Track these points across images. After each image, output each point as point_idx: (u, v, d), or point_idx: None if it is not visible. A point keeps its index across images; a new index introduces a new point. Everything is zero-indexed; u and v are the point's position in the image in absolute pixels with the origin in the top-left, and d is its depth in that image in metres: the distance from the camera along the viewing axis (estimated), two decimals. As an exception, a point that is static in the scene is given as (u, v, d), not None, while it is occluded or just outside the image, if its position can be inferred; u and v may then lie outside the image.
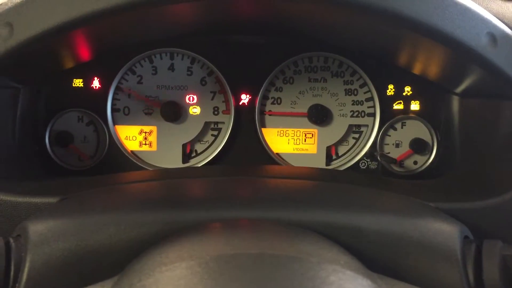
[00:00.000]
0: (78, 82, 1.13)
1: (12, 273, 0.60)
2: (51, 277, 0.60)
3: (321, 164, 1.19)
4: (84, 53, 1.06)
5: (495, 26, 0.78)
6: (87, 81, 1.14)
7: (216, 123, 1.18)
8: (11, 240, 0.64)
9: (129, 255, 0.60)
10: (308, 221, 0.64)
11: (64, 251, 0.61)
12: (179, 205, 0.68)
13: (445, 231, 0.66)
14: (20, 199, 0.80)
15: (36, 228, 0.63)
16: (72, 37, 0.90)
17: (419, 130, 1.17)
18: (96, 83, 1.14)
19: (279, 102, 1.18)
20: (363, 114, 1.18)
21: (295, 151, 1.19)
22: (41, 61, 0.97)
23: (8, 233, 0.70)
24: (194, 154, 1.19)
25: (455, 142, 1.08)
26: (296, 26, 1.06)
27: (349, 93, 1.17)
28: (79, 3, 0.75)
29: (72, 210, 0.68)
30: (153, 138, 1.17)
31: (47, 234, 0.62)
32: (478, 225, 0.77)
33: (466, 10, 0.76)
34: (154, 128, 1.17)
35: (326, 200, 0.73)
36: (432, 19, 0.75)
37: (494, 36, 0.78)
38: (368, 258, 0.62)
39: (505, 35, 0.78)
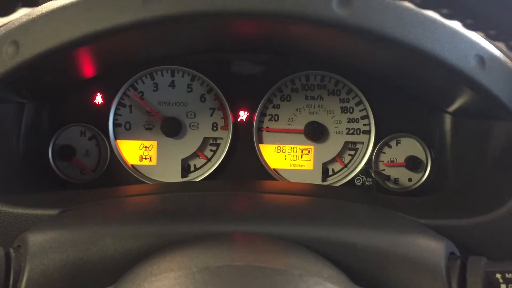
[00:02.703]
0: (81, 98, 1.16)
1: (11, 283, 0.62)
2: (49, 287, 0.62)
3: (317, 180, 1.21)
4: (88, 70, 1.09)
5: (483, 48, 0.80)
6: (90, 97, 1.17)
7: (215, 138, 1.21)
8: (11, 251, 0.66)
9: (125, 266, 0.62)
10: (297, 235, 0.66)
11: (61, 262, 0.63)
12: (174, 218, 0.70)
13: (431, 247, 0.67)
14: (21, 210, 0.82)
15: (35, 239, 0.65)
16: (76, 55, 0.93)
17: (414, 148, 1.19)
18: (98, 99, 1.17)
19: (276, 119, 1.21)
20: (358, 132, 1.20)
21: (292, 167, 1.21)
22: (45, 77, 1.00)
23: (9, 244, 0.72)
24: (193, 168, 1.21)
25: (448, 160, 1.10)
26: (293, 46, 1.09)
27: (345, 111, 1.20)
28: (83, 23, 0.78)
29: (70, 222, 0.71)
30: (153, 152, 1.20)
31: (46, 245, 0.65)
32: (466, 242, 0.79)
33: (454, 33, 0.79)
34: (154, 143, 1.20)
35: (316, 215, 0.76)
36: (422, 41, 0.77)
37: (483, 58, 0.80)
38: (355, 273, 0.64)
39: (493, 57, 0.80)
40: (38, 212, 0.82)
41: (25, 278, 0.62)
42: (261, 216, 0.73)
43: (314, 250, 0.64)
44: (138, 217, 0.72)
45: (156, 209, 0.78)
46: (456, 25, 0.81)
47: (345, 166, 1.21)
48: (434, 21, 0.79)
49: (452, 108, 1.05)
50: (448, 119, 1.10)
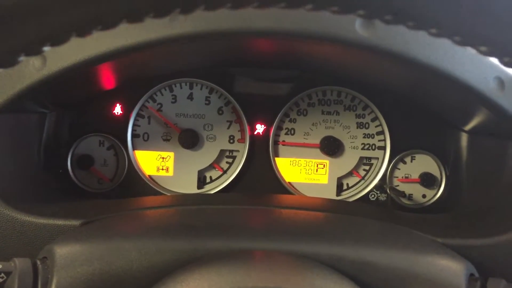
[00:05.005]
0: (101, 108, 1.18)
1: (38, 294, 0.64)
2: (76, 299, 0.64)
3: (331, 194, 1.22)
4: (109, 82, 1.11)
5: (503, 71, 0.81)
6: (110, 108, 1.18)
7: (231, 151, 1.22)
8: (38, 262, 0.67)
9: (151, 280, 0.63)
10: (319, 254, 0.67)
11: (88, 275, 0.64)
12: (199, 234, 0.71)
13: (451, 268, 0.68)
14: (43, 221, 0.83)
15: (62, 252, 0.67)
16: (99, 68, 0.95)
17: (428, 164, 1.20)
18: (118, 110, 1.19)
19: (292, 133, 1.22)
20: (374, 147, 1.21)
21: (307, 181, 1.22)
22: (68, 88, 1.02)
23: (32, 254, 0.73)
24: (209, 180, 1.22)
25: (463, 178, 1.11)
26: (313, 64, 1.11)
27: (361, 126, 1.21)
28: (109, 38, 0.80)
29: (96, 235, 0.72)
30: (170, 163, 1.21)
31: (73, 258, 0.66)
32: (484, 262, 0.79)
33: (474, 55, 0.80)
34: (171, 154, 1.21)
35: (337, 234, 0.77)
36: (442, 63, 0.79)
37: (502, 80, 0.81)
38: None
39: (512, 79, 0.82)
40: (61, 222, 0.83)
41: (52, 290, 0.63)
42: (282, 233, 0.74)
43: (335, 269, 0.65)
44: (162, 231, 0.73)
45: (180, 224, 0.79)
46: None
47: (363, 178, 1.22)
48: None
49: (468, 126, 1.06)
50: (464, 137, 1.11)
